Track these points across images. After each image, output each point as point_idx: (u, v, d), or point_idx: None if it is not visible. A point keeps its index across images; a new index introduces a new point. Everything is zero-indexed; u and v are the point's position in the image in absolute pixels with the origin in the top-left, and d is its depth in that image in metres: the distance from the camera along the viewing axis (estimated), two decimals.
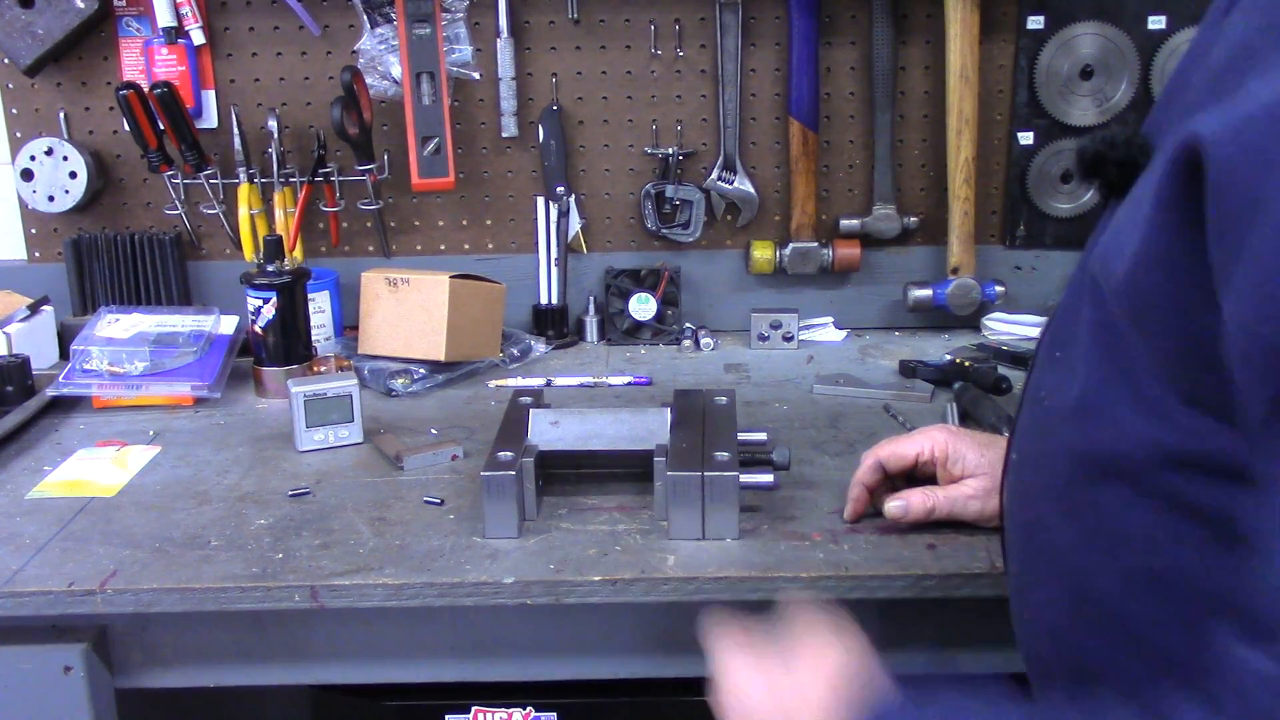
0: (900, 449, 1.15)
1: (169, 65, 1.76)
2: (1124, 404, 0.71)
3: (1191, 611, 0.70)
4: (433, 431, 1.46)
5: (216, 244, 1.85)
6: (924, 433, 1.15)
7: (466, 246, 1.88)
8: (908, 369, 1.64)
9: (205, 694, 1.21)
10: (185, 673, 1.15)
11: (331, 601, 1.08)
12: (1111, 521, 0.73)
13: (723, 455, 1.16)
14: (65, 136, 1.79)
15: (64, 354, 1.68)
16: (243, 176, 1.78)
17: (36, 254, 1.86)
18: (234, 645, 1.14)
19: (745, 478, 1.15)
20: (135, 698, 1.18)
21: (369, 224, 1.85)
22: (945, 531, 1.14)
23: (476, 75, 1.80)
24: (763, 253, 1.83)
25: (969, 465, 1.12)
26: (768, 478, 1.18)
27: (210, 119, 1.81)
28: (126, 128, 1.72)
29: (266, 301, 1.58)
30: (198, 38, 1.76)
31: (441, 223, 1.87)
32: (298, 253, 1.80)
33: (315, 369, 1.57)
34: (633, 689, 1.20)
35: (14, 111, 1.80)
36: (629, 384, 1.64)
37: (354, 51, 1.78)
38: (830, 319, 1.87)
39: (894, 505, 1.13)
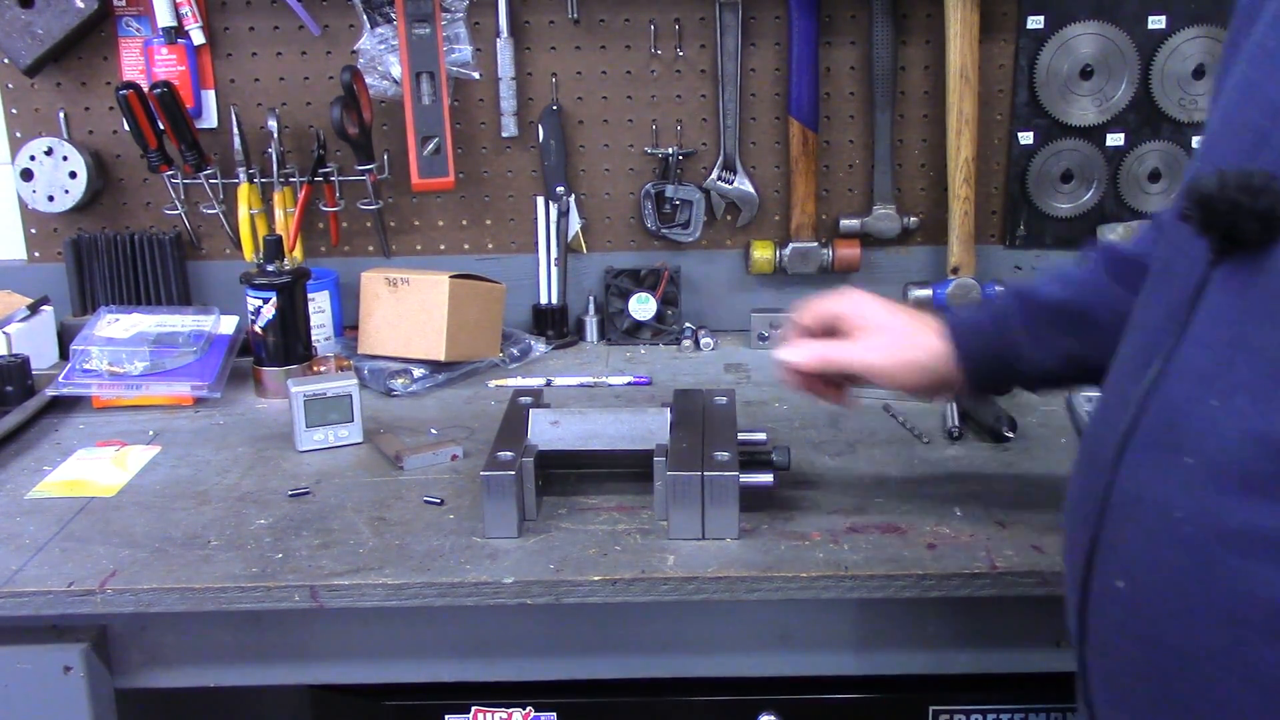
0: (815, 303, 1.13)
1: (169, 65, 1.76)
2: None
3: None
4: (433, 431, 1.46)
5: (216, 244, 1.85)
6: (839, 292, 1.14)
7: (466, 246, 1.88)
8: None
9: (205, 694, 1.21)
10: (185, 673, 1.15)
11: (331, 601, 1.08)
12: None
13: (723, 455, 1.16)
14: (65, 136, 1.79)
15: (64, 354, 1.68)
16: (243, 176, 1.78)
17: (36, 254, 1.86)
18: (234, 645, 1.14)
19: (745, 478, 1.15)
20: (135, 698, 1.18)
21: (369, 224, 1.85)
22: (945, 532, 1.14)
23: (476, 75, 1.80)
24: (763, 253, 1.83)
25: (870, 320, 1.09)
26: (767, 478, 1.18)
27: (210, 119, 1.81)
28: (126, 128, 1.72)
29: (266, 301, 1.58)
30: (198, 38, 1.76)
31: (441, 223, 1.87)
32: (298, 253, 1.80)
33: (315, 369, 1.57)
34: (633, 689, 1.20)
35: (14, 111, 1.80)
36: (629, 384, 1.64)
37: (354, 51, 1.78)
38: None
39: (785, 351, 1.11)
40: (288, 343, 1.60)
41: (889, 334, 1.08)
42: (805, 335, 1.14)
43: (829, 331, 1.12)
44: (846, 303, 1.11)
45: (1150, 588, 0.68)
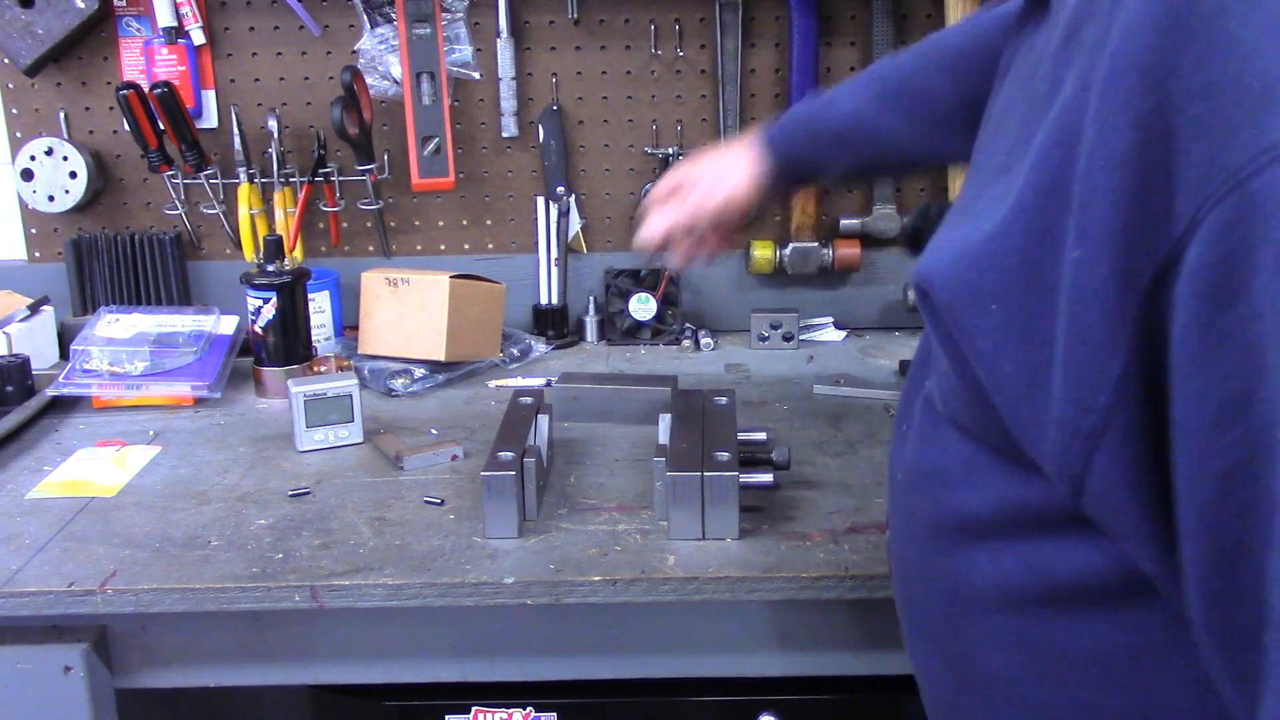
0: (658, 187, 1.27)
1: (169, 65, 1.76)
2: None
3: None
4: (433, 431, 1.46)
5: (216, 244, 1.85)
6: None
7: (466, 246, 1.88)
8: (907, 369, 1.64)
9: (205, 694, 1.21)
10: (185, 673, 1.15)
11: (331, 601, 1.08)
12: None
13: (723, 455, 1.16)
14: (65, 136, 1.79)
15: (64, 354, 1.68)
16: (243, 176, 1.78)
17: (36, 254, 1.86)
18: (234, 645, 1.14)
19: (745, 478, 1.15)
20: (135, 698, 1.17)
21: (369, 224, 1.85)
22: None
23: (476, 75, 1.80)
24: (763, 253, 1.83)
25: (698, 171, 1.23)
26: (768, 478, 1.18)
27: (210, 119, 1.81)
28: (126, 128, 1.72)
29: (266, 301, 1.58)
30: (198, 38, 1.76)
31: (441, 223, 1.87)
32: (298, 253, 1.80)
33: (315, 369, 1.57)
34: (633, 689, 1.20)
35: (14, 111, 1.80)
36: None
37: (354, 51, 1.78)
38: (830, 319, 1.87)
39: (644, 231, 1.25)
40: (288, 343, 1.60)
41: (714, 171, 1.22)
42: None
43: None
44: (677, 172, 1.26)
45: (894, 524, 0.84)
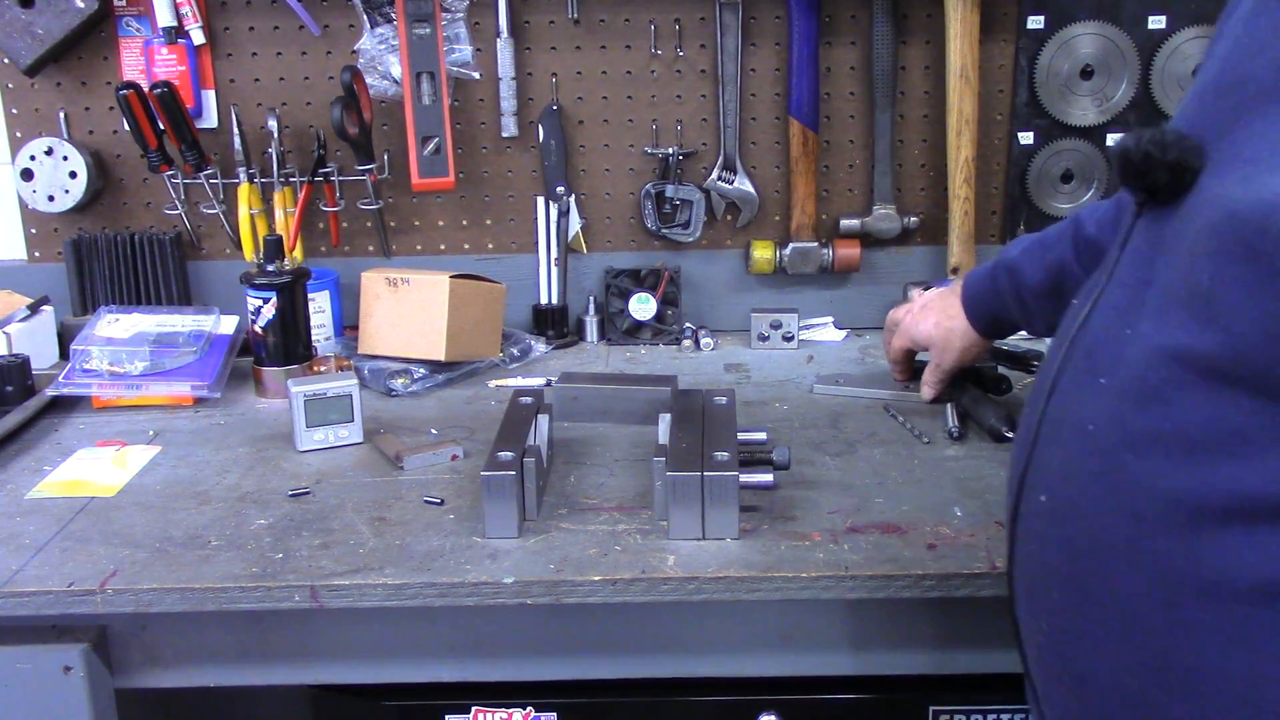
0: (894, 348, 1.54)
1: (169, 65, 1.76)
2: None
3: None
4: (433, 431, 1.46)
5: (216, 244, 1.85)
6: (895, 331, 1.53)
7: (466, 246, 1.88)
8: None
9: (205, 694, 1.21)
10: (185, 673, 1.15)
11: (331, 601, 1.08)
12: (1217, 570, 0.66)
13: (722, 455, 1.16)
14: (65, 136, 1.79)
15: (64, 354, 1.68)
16: (243, 176, 1.78)
17: (36, 254, 1.86)
18: (234, 645, 1.14)
19: (745, 478, 1.15)
20: (135, 698, 1.18)
21: (369, 224, 1.85)
22: (945, 532, 1.14)
23: (476, 75, 1.80)
24: (763, 253, 1.83)
25: (924, 343, 1.48)
26: (767, 478, 1.18)
27: (210, 119, 1.81)
28: (126, 128, 1.72)
29: (266, 301, 1.58)
30: (198, 38, 1.76)
31: (441, 223, 1.87)
32: (298, 253, 1.80)
33: (315, 369, 1.57)
34: (633, 689, 1.20)
35: (14, 111, 1.80)
36: None
37: (354, 51, 1.78)
38: (830, 319, 1.87)
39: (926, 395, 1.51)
40: (288, 343, 1.60)
41: (936, 349, 1.46)
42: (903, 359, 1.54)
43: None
44: (904, 340, 1.51)
45: (1067, 497, 0.75)
